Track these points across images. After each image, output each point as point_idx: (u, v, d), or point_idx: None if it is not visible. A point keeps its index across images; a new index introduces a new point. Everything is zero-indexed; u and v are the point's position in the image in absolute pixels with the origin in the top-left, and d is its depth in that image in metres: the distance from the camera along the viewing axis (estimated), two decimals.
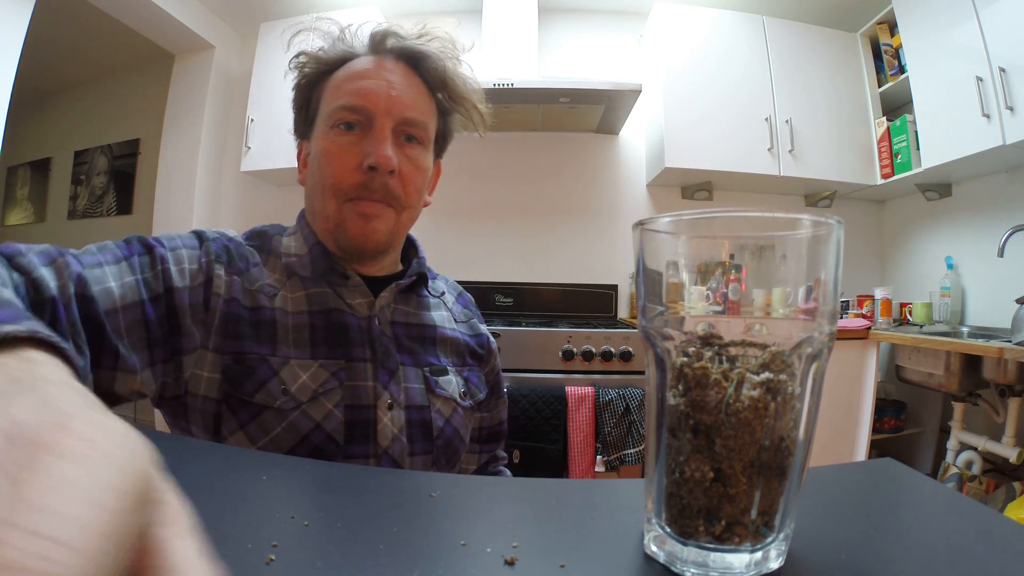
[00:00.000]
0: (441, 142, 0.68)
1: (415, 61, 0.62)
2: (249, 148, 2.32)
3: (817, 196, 2.47)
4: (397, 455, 0.56)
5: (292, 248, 0.63)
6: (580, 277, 2.47)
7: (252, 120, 2.31)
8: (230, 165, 2.63)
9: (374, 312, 0.61)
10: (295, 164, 0.69)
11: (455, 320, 0.70)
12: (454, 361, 0.66)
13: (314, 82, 0.63)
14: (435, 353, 0.64)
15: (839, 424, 1.95)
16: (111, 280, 0.47)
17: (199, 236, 0.58)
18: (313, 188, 0.61)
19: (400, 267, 0.69)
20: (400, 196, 0.60)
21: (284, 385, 0.53)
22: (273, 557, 0.24)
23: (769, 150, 2.18)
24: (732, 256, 0.24)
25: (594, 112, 2.30)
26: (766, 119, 2.20)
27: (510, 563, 0.25)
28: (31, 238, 3.67)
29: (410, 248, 0.72)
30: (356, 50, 0.62)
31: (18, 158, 3.73)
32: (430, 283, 0.70)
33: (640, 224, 0.27)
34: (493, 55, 2.26)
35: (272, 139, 2.26)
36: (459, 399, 0.63)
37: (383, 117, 0.58)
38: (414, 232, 0.71)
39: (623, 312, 2.45)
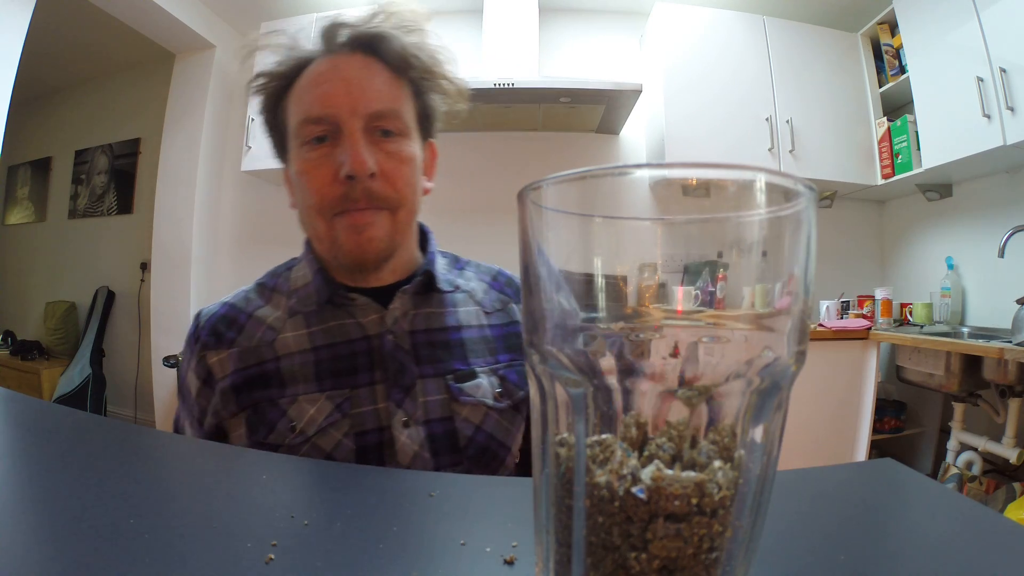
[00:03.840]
0: (426, 123, 0.63)
1: (372, 47, 0.57)
2: (250, 148, 2.32)
3: (818, 196, 2.47)
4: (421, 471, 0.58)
5: (299, 280, 0.63)
6: None
7: (253, 120, 2.31)
8: (231, 165, 2.63)
9: (387, 327, 0.59)
10: None
11: (485, 313, 0.65)
12: (486, 360, 0.61)
13: (276, 101, 0.60)
14: (462, 356, 0.60)
15: (839, 424, 1.94)
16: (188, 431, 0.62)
17: (192, 334, 0.63)
18: (301, 211, 0.60)
19: (422, 263, 0.65)
20: (389, 196, 0.56)
21: (293, 422, 0.55)
22: (273, 556, 0.24)
23: (770, 150, 2.18)
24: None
25: (595, 112, 2.30)
26: (767, 119, 2.19)
27: (509, 563, 0.25)
28: (32, 237, 3.68)
29: (426, 243, 0.68)
30: (311, 54, 0.58)
31: (19, 157, 3.73)
32: (454, 277, 0.66)
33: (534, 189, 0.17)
34: (493, 55, 2.26)
35: None
36: (492, 402, 0.59)
37: (349, 119, 0.54)
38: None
39: None
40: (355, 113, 0.55)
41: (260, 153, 2.31)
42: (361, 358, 0.58)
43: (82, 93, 3.52)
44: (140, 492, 0.32)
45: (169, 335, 2.47)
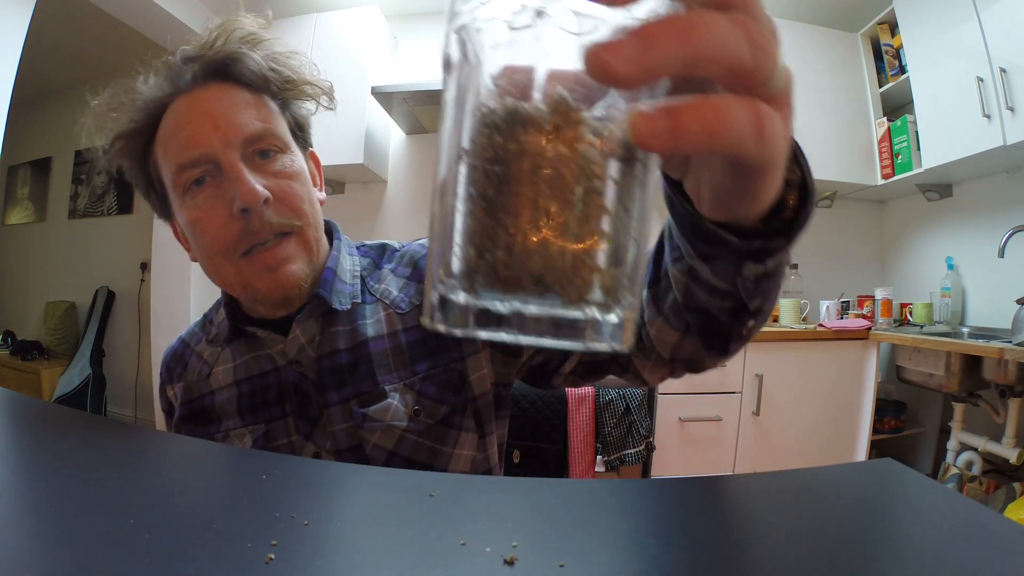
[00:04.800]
0: (301, 133, 0.60)
1: (224, 73, 0.54)
2: None
3: (818, 196, 2.47)
4: None
5: (221, 314, 0.62)
6: None
7: None
8: None
9: (291, 357, 0.56)
10: None
11: (399, 314, 0.59)
12: (400, 374, 0.56)
13: (143, 159, 0.57)
14: (369, 375, 0.56)
15: (839, 424, 1.95)
16: None
17: (162, 367, 0.67)
18: (203, 262, 0.56)
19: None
20: (289, 219, 0.53)
21: None
22: (273, 556, 0.24)
23: None
24: None
25: None
26: None
27: (509, 563, 0.25)
28: (32, 237, 3.68)
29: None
30: (163, 99, 0.55)
31: (19, 157, 3.73)
32: (371, 284, 0.61)
33: None
34: None
35: None
36: (407, 423, 0.55)
37: (225, 152, 0.51)
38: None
39: None
40: (229, 144, 0.51)
41: None
42: (272, 391, 0.57)
43: (82, 93, 3.51)
44: (140, 492, 0.32)
45: (169, 335, 2.46)
